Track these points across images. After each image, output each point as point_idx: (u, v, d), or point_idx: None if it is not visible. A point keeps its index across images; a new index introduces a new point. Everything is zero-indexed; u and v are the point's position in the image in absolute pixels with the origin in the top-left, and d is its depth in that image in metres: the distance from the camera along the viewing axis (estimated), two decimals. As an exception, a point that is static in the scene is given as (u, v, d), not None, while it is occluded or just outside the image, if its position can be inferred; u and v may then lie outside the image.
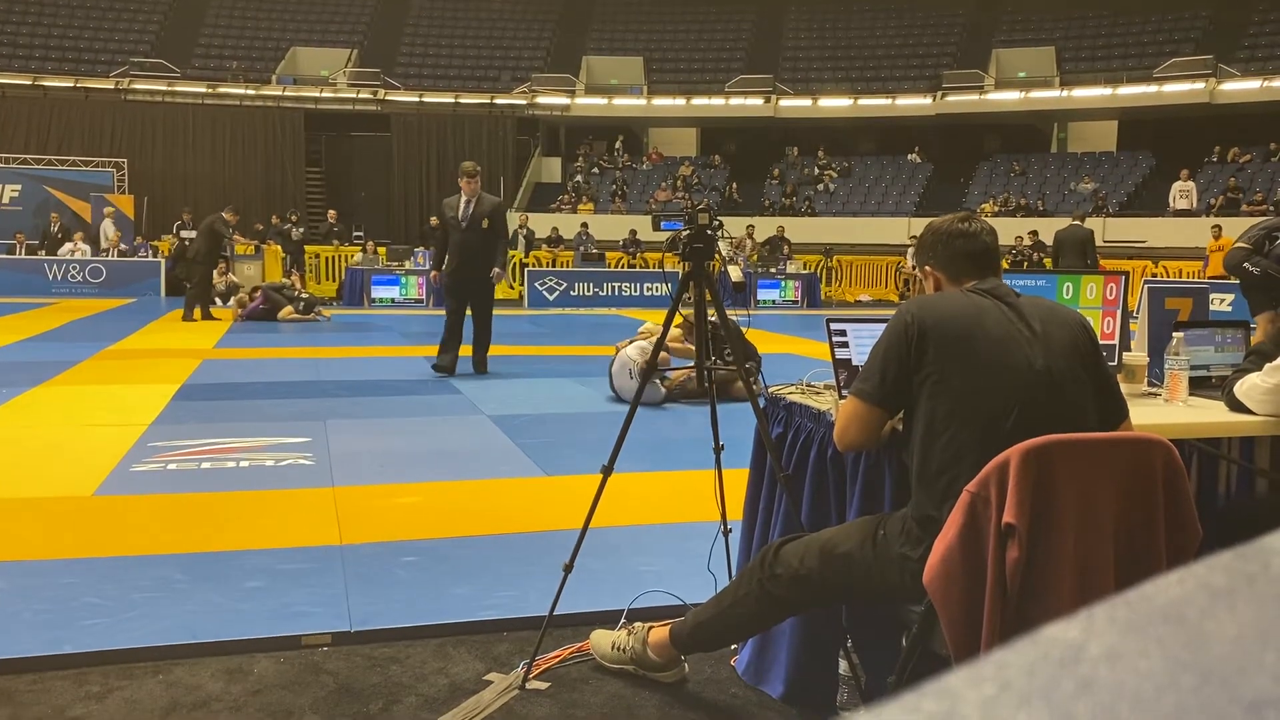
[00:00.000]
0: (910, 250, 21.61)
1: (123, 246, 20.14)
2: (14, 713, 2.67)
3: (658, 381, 7.39)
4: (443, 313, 9.37)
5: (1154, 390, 3.11)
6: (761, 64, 28.50)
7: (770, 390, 3.04)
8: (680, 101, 27.96)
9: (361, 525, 4.40)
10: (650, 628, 2.91)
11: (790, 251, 21.11)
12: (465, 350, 9.04)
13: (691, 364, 3.29)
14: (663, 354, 5.56)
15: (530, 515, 4.62)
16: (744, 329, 3.49)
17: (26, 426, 6.58)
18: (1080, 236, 13.06)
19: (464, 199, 8.82)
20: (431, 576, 3.76)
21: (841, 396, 2.69)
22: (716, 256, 3.07)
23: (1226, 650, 0.33)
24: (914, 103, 27.10)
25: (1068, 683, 0.32)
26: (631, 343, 7.80)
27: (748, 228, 21.70)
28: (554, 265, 20.92)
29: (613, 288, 19.51)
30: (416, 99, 27.22)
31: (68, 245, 19.74)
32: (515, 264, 21.30)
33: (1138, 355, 3.20)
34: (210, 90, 26.30)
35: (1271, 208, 20.50)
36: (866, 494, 2.62)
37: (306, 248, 20.78)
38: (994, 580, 2.00)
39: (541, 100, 27.64)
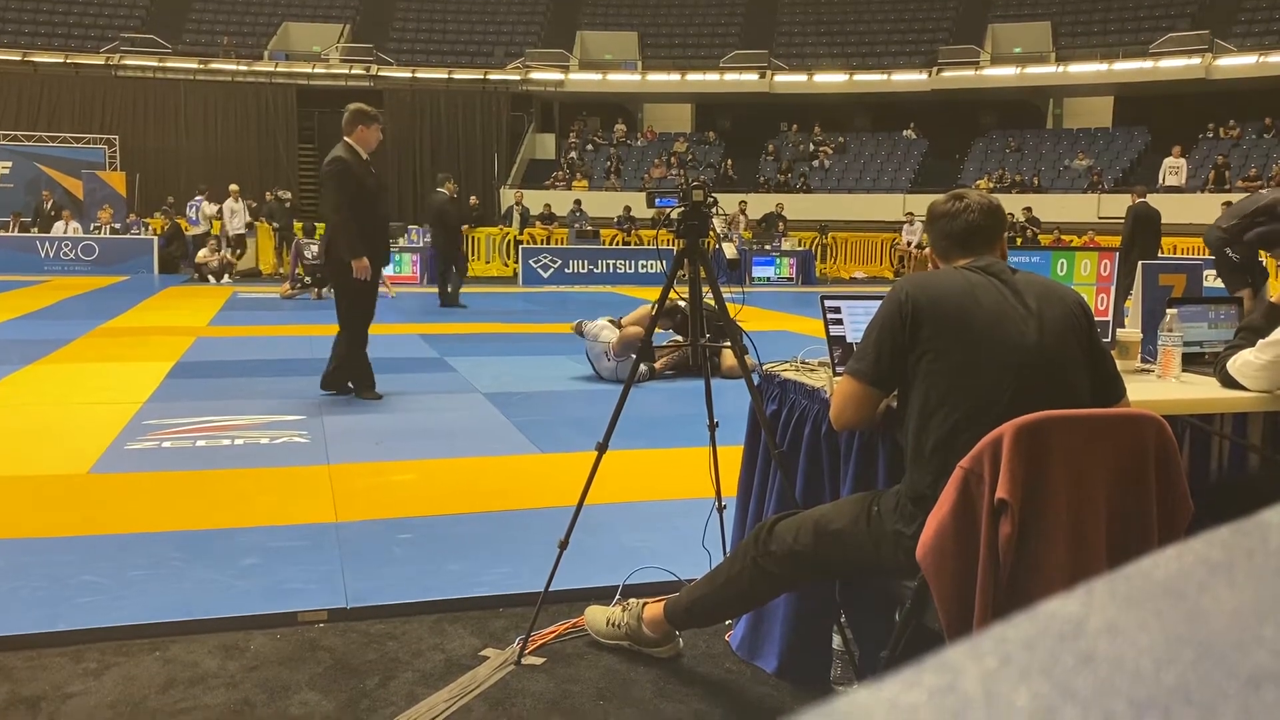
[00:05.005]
0: (906, 226, 21.62)
1: (115, 225, 20.04)
2: (12, 689, 2.68)
3: (634, 356, 7.33)
4: (338, 306, 6.72)
5: (1147, 366, 3.12)
6: (756, 39, 28.36)
7: (765, 367, 3.04)
8: (675, 77, 27.83)
9: (357, 502, 4.41)
10: (645, 603, 2.93)
11: (785, 228, 21.06)
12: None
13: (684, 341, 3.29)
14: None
15: (525, 492, 4.63)
16: (739, 306, 3.48)
17: (20, 405, 6.57)
18: (1156, 215, 12.84)
19: (363, 155, 6.39)
20: (427, 553, 3.77)
21: (836, 374, 2.70)
22: (711, 233, 3.06)
23: (1225, 624, 0.34)
24: (909, 79, 27.01)
25: (1068, 656, 0.32)
26: (594, 323, 7.68)
27: (740, 203, 21.63)
28: (548, 242, 20.87)
29: (608, 265, 19.47)
30: (409, 75, 27.06)
31: (59, 223, 19.64)
32: (510, 241, 21.25)
33: (1132, 331, 3.20)
34: (202, 66, 26.12)
35: (1265, 184, 20.49)
36: (860, 471, 2.63)
37: (296, 224, 20.63)
38: (987, 555, 2.01)
39: (535, 76, 27.50)
